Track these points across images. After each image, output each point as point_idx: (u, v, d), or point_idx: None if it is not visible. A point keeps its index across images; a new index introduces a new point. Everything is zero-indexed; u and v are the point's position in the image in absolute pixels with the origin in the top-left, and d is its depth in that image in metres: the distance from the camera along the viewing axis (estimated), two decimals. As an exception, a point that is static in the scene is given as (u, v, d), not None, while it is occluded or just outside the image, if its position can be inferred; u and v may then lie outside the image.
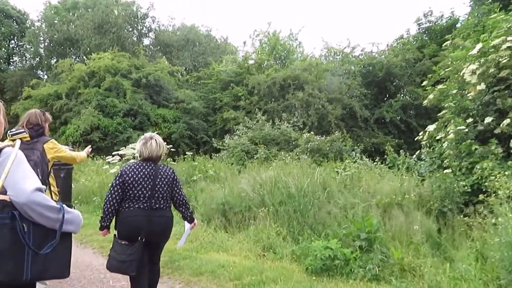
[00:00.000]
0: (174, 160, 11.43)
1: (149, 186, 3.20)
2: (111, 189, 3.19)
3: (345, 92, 17.89)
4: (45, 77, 25.23)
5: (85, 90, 18.00)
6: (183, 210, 3.48)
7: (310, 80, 17.67)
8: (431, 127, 8.57)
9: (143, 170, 3.23)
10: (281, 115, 16.44)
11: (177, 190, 3.40)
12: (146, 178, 3.21)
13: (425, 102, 9.27)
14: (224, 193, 7.10)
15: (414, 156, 10.38)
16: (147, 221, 3.13)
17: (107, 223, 3.26)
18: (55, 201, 1.72)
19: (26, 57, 28.10)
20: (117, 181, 3.18)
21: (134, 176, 3.18)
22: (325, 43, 23.80)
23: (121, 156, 10.12)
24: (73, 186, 8.94)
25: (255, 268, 4.71)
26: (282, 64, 21.58)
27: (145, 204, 3.17)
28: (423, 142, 8.69)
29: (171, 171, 3.41)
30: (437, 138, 7.80)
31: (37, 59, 26.78)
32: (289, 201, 6.59)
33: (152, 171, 3.25)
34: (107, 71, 18.36)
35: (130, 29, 25.43)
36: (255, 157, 13.68)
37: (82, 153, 4.36)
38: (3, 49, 27.35)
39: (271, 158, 13.73)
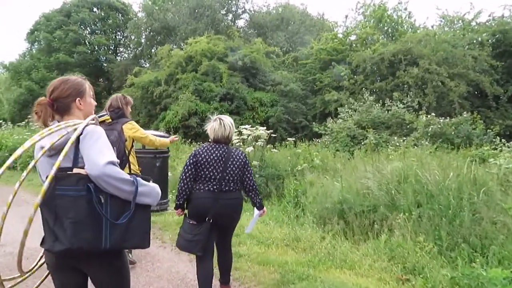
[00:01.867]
0: (274, 147, 10.33)
1: (220, 168, 3.22)
2: (185, 168, 3.23)
3: (471, 66, 15.06)
4: (147, 65, 26.09)
5: (182, 75, 17.86)
6: (253, 195, 3.44)
7: (426, 53, 15.21)
8: None
9: (215, 152, 3.25)
10: (391, 95, 14.45)
11: (248, 175, 3.37)
12: (217, 160, 3.23)
13: None
14: (341, 188, 5.75)
15: None
16: (214, 203, 3.17)
17: (181, 201, 3.28)
18: None
19: (130, 47, 29.44)
20: (191, 161, 3.22)
21: (207, 157, 3.22)
22: (443, 11, 20.56)
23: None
24: (170, 174, 8.40)
25: (401, 302, 3.34)
26: (389, 38, 19.16)
27: (215, 186, 3.20)
28: None
29: (243, 155, 3.38)
30: None
31: (139, 49, 27.82)
32: (429, 203, 5.05)
33: (224, 153, 3.26)
34: (203, 55, 17.99)
35: (224, 12, 24.95)
36: (362, 143, 12.09)
37: (164, 139, 4.58)
38: (111, 40, 28.99)
39: (381, 144, 12.04)
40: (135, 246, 1.85)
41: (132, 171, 4.01)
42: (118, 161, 1.75)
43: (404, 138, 12.03)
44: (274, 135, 10.51)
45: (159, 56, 19.96)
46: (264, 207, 3.59)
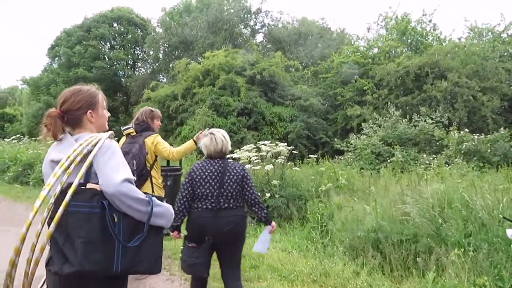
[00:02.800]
0: (295, 164, 9.64)
1: (217, 185, 3.07)
2: (181, 187, 3.14)
3: (504, 79, 14.17)
4: (164, 79, 25.89)
5: (199, 89, 17.43)
6: (256, 209, 3.20)
7: (455, 66, 14.41)
8: None
9: (211, 168, 3.12)
10: (418, 110, 13.67)
11: (248, 188, 3.16)
12: (213, 176, 3.09)
13: None
14: (375, 214, 5.03)
15: None
16: (212, 221, 3.00)
17: (178, 223, 3.12)
18: (158, 194, 2.01)
19: (148, 62, 29.40)
20: (187, 179, 3.12)
21: (202, 174, 3.10)
22: (471, 22, 19.65)
23: (235, 160, 8.67)
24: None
25: None
26: (413, 50, 18.40)
27: (213, 205, 3.03)
28: None
29: (240, 168, 3.21)
30: None
31: (157, 63, 27.70)
32: (481, 233, 4.30)
33: (220, 168, 3.12)
34: (221, 69, 17.55)
35: (243, 26, 24.65)
36: (388, 160, 11.33)
37: (186, 143, 4.26)
38: (129, 55, 29.03)
39: (409, 161, 11.27)
40: (145, 271, 1.69)
41: (154, 185, 4.02)
42: (135, 178, 1.65)
43: (434, 155, 11.24)
44: (295, 151, 9.85)
45: (176, 70, 19.64)
46: (273, 222, 3.34)
